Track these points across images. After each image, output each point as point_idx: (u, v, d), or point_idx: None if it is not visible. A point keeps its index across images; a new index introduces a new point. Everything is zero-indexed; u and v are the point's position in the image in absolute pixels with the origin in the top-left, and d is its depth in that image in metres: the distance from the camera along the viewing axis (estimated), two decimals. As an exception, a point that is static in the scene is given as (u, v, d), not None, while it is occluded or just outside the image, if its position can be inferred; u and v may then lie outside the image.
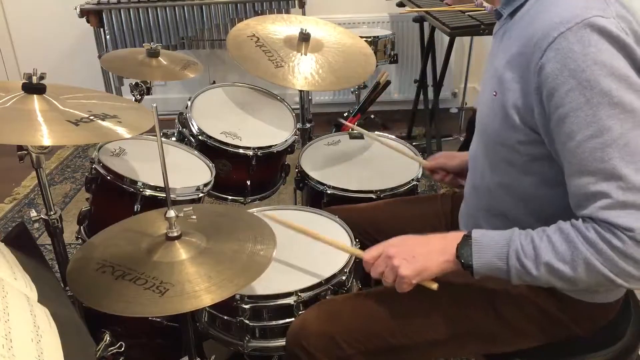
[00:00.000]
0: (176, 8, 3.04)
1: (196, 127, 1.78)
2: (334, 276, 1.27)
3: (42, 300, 0.84)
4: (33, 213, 1.37)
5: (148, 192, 1.50)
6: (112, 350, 1.03)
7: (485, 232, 0.98)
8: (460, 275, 1.00)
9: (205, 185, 1.62)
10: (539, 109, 0.91)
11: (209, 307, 1.29)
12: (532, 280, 0.93)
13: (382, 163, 1.80)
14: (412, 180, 1.68)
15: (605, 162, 0.85)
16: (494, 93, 0.99)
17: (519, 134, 0.96)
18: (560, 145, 0.90)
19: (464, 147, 2.42)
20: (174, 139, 1.85)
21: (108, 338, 1.03)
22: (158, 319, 1.43)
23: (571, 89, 0.85)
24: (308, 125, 2.09)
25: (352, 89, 3.00)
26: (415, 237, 1.05)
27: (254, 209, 1.48)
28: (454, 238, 0.99)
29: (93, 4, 3.04)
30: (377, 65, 2.03)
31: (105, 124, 1.12)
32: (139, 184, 1.50)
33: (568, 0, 0.88)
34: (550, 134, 0.91)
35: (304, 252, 1.34)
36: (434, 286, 1.02)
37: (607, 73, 0.83)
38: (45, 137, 1.02)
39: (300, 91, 2.04)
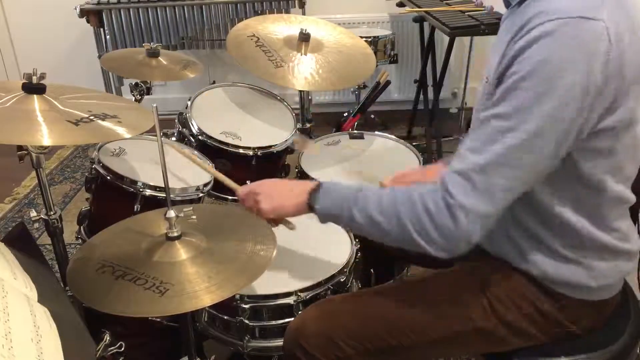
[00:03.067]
0: (176, 8, 3.04)
1: (196, 127, 1.78)
2: (333, 276, 1.27)
3: (42, 300, 0.84)
4: (33, 213, 1.37)
5: (148, 192, 1.50)
6: (112, 350, 1.03)
7: (337, 183, 1.09)
8: (459, 274, 1.00)
9: (205, 185, 1.62)
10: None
11: (208, 307, 1.29)
12: (357, 228, 1.03)
13: (382, 163, 1.80)
14: (412, 180, 1.68)
15: (491, 143, 0.88)
16: (485, 79, 1.01)
17: None
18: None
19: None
20: (174, 139, 1.85)
21: (108, 338, 1.03)
22: (158, 319, 1.43)
23: (524, 75, 0.86)
24: (308, 125, 2.09)
25: (352, 89, 3.00)
26: (282, 180, 1.23)
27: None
28: (311, 184, 1.10)
29: (93, 4, 3.03)
30: (377, 65, 2.03)
31: (105, 124, 1.12)
32: (139, 184, 1.50)
33: None
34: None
35: (304, 252, 1.34)
36: (291, 226, 1.19)
37: (560, 76, 0.83)
38: (45, 137, 1.02)
39: (300, 91, 2.04)
